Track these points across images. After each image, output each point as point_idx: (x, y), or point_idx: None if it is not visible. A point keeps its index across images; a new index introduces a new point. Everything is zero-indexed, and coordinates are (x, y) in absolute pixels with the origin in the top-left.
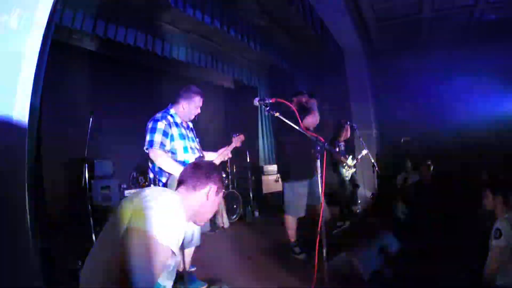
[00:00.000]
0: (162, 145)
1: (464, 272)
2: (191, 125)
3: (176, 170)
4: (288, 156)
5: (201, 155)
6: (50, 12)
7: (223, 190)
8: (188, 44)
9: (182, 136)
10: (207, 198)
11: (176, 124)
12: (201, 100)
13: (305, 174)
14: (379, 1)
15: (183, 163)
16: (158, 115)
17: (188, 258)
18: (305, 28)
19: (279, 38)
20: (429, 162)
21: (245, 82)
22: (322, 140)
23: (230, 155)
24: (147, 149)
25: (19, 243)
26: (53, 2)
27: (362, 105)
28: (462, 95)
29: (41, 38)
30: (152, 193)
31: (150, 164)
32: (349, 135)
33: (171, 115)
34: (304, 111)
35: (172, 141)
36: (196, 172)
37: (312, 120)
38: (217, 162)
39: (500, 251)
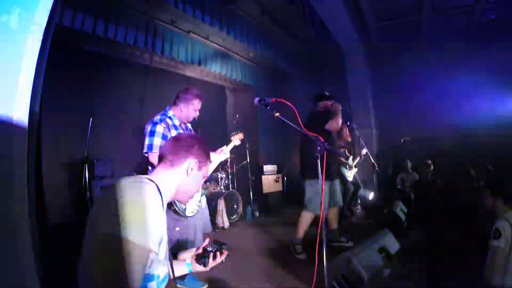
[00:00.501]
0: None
1: (463, 272)
2: (189, 126)
3: None
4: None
5: None
6: (50, 12)
7: (209, 166)
8: (189, 44)
9: None
10: (187, 174)
11: (175, 127)
12: (200, 103)
13: (329, 175)
14: (379, 1)
15: None
16: (157, 117)
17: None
18: (305, 28)
19: (279, 38)
20: (429, 161)
21: (245, 81)
22: (322, 140)
23: (229, 154)
24: (146, 153)
25: (19, 243)
26: (53, 2)
27: (362, 105)
28: (462, 95)
29: (41, 38)
30: (122, 186)
31: (149, 167)
32: (348, 137)
33: (170, 117)
34: (329, 114)
35: None
36: (175, 147)
37: (335, 124)
38: (217, 162)
39: (500, 251)
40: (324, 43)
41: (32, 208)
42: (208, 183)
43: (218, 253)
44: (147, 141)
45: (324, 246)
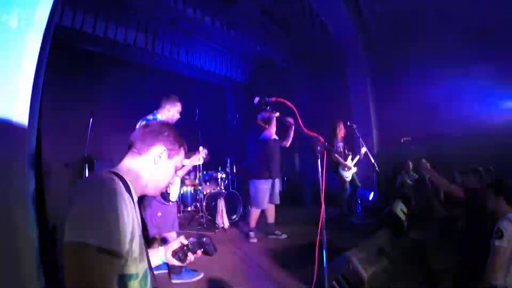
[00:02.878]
0: None
1: (464, 272)
2: None
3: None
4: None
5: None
6: (50, 12)
7: (183, 155)
8: (189, 44)
9: None
10: (154, 162)
11: None
12: (181, 106)
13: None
14: (379, 1)
15: None
16: (149, 117)
17: None
18: (305, 28)
19: (279, 38)
20: (423, 161)
21: (245, 82)
22: (322, 139)
23: (202, 159)
24: None
25: (20, 243)
26: (53, 2)
27: (362, 105)
28: (462, 95)
29: (41, 38)
30: (79, 188)
31: None
32: (344, 133)
33: (156, 119)
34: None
35: None
36: (143, 133)
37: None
38: (188, 166)
39: (502, 252)
40: (324, 43)
41: (32, 208)
42: (208, 183)
43: (196, 249)
44: None
45: (324, 246)
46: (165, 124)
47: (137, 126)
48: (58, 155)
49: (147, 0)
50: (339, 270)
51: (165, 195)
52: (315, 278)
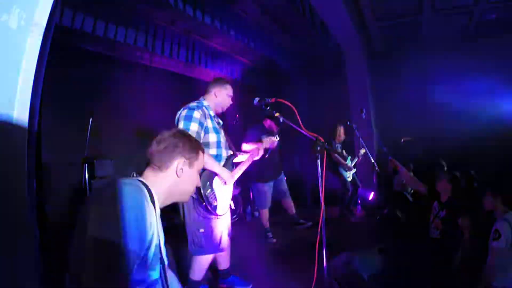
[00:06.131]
0: (198, 135)
1: (464, 272)
2: (221, 122)
3: (213, 165)
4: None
5: (234, 153)
6: (50, 12)
7: (202, 157)
8: (189, 44)
9: (216, 130)
10: (177, 175)
11: (211, 117)
12: (232, 89)
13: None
14: (379, 1)
15: (216, 157)
16: (193, 104)
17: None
18: (305, 28)
19: (279, 38)
20: (410, 165)
21: (245, 82)
22: (322, 140)
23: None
24: None
25: (19, 244)
26: (53, 2)
27: (362, 105)
28: (462, 95)
29: (41, 38)
30: (110, 189)
31: None
32: (343, 137)
33: (205, 107)
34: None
35: (207, 133)
36: (158, 150)
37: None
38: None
39: (499, 252)
40: (324, 43)
41: (32, 208)
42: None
43: None
44: (182, 125)
45: (324, 246)
46: (176, 135)
47: (177, 115)
48: (58, 155)
49: (147, 0)
50: (339, 270)
51: (208, 208)
52: (315, 278)
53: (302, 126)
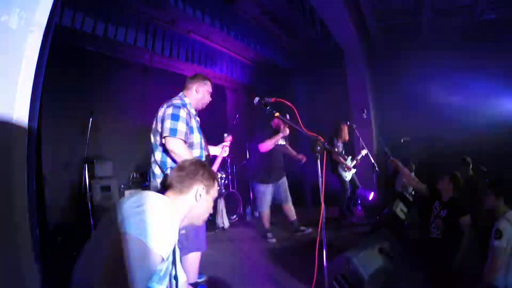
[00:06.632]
0: (186, 136)
1: (465, 272)
2: (199, 121)
3: None
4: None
5: (207, 152)
6: (50, 12)
7: (216, 186)
8: (189, 44)
9: (199, 130)
10: (196, 200)
11: (193, 116)
12: (211, 86)
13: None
14: (379, 1)
15: (199, 158)
16: (176, 101)
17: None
18: (305, 28)
19: (279, 38)
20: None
21: (245, 82)
22: (322, 139)
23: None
24: (165, 137)
25: (19, 243)
26: (53, 2)
27: (362, 105)
28: (462, 94)
29: (41, 38)
30: (145, 198)
31: (157, 157)
32: (347, 137)
33: (188, 105)
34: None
35: (191, 133)
36: (180, 175)
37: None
38: (220, 157)
39: (501, 251)
40: (324, 43)
41: (32, 208)
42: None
43: None
44: (169, 125)
45: (324, 246)
46: (197, 164)
47: (161, 112)
48: (58, 155)
49: (147, 0)
50: (339, 270)
51: None
52: (315, 278)
53: (302, 125)
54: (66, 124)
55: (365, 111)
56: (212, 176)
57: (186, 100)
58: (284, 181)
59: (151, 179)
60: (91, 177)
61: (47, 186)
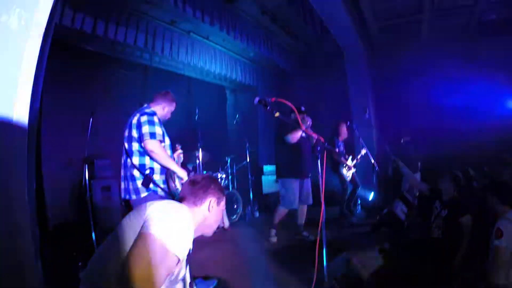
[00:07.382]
0: (163, 138)
1: (465, 271)
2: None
3: (175, 167)
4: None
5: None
6: (50, 12)
7: (224, 198)
8: (189, 44)
9: (167, 134)
10: (209, 211)
11: (161, 123)
12: (175, 107)
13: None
14: (379, 1)
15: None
16: (147, 109)
17: None
18: (305, 28)
19: (279, 38)
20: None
21: (245, 82)
22: (322, 139)
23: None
24: (146, 140)
25: (19, 244)
26: (53, 2)
27: (362, 105)
28: (462, 94)
29: (41, 38)
30: (166, 205)
31: (135, 161)
32: (346, 135)
33: (156, 114)
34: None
35: (164, 137)
36: (194, 188)
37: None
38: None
39: (502, 251)
40: (324, 43)
41: (32, 208)
42: None
43: None
44: (147, 129)
45: (324, 246)
46: (209, 179)
47: (135, 120)
48: (58, 155)
49: (147, 0)
50: (339, 270)
51: (172, 190)
52: (315, 278)
53: (302, 125)
54: (66, 124)
55: (367, 111)
56: (222, 190)
57: (155, 111)
58: (308, 181)
59: (130, 181)
60: (91, 177)
61: (47, 186)
